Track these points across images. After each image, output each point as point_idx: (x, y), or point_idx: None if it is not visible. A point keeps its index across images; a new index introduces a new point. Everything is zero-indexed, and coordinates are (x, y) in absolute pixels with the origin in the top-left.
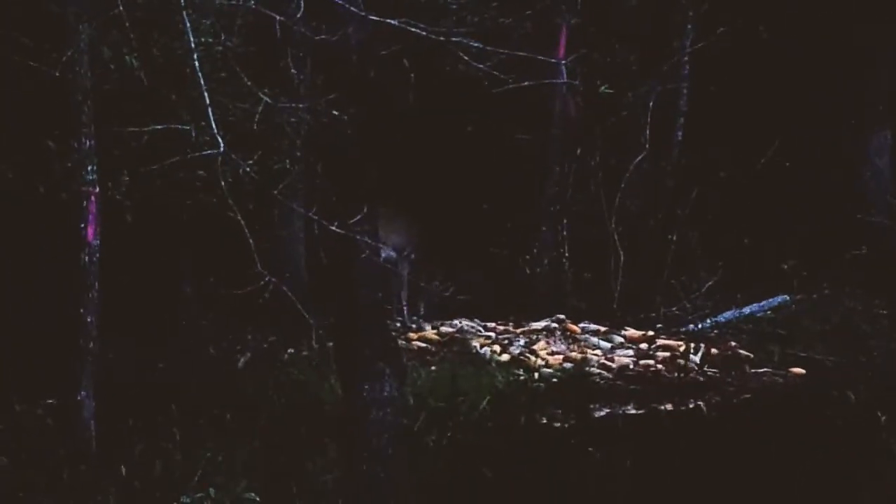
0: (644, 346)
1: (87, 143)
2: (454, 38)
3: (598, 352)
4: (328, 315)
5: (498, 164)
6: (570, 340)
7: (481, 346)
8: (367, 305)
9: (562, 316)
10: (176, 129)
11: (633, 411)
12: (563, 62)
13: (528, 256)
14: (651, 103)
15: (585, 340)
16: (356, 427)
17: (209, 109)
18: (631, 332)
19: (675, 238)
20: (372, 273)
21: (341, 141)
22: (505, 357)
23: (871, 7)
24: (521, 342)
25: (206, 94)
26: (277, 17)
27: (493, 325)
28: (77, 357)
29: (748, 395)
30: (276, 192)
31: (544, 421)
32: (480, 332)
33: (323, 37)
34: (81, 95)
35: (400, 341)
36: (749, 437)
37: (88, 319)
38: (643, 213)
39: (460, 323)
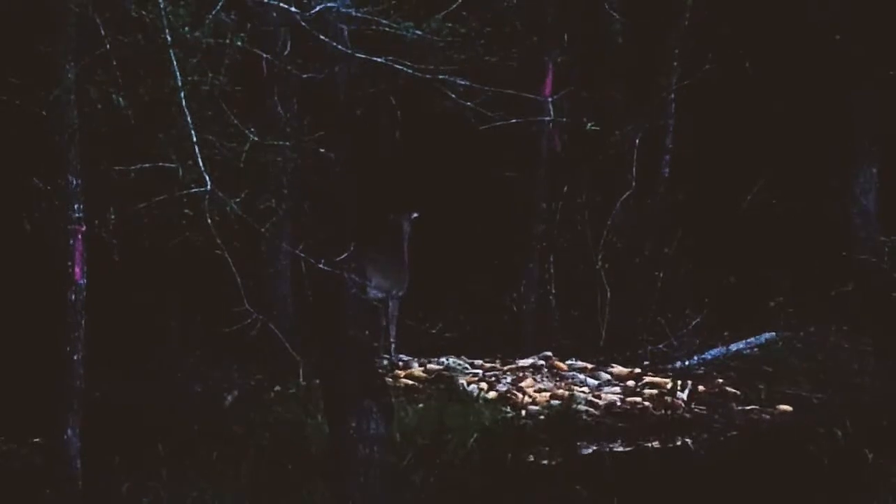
0: (631, 383)
1: (74, 181)
2: (441, 76)
3: (585, 389)
4: (315, 352)
5: (485, 201)
6: (557, 377)
7: (468, 384)
8: (353, 343)
9: (549, 353)
10: (163, 168)
11: (620, 448)
12: (550, 99)
13: (514, 294)
14: (637, 140)
15: (572, 377)
16: (343, 464)
17: (196, 147)
18: (618, 369)
19: (661, 275)
20: (359, 310)
21: (328, 179)
22: (492, 394)
23: (856, 44)
24: (508, 379)
25: (193, 132)
26: (265, 56)
27: (480, 362)
28: (63, 395)
29: (735, 433)
30: (263, 229)
31: (531, 458)
32: (467, 369)
33: (310, 75)
34: (68, 134)
35: (387, 378)
36: (736, 474)
37: (75, 357)
38: (630, 251)
39: (447, 360)
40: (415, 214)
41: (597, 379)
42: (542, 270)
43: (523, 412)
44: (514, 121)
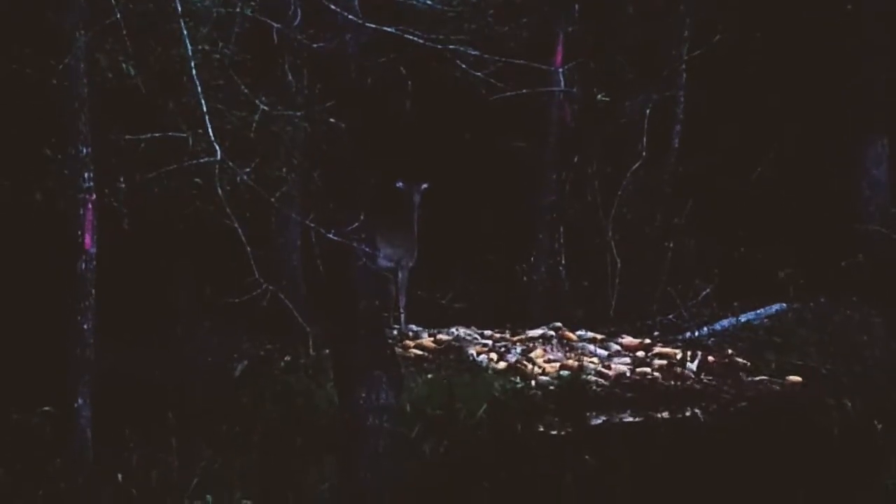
0: (641, 353)
1: (84, 150)
2: (451, 46)
3: (594, 359)
4: (325, 323)
5: (495, 171)
6: (567, 348)
7: (478, 354)
8: (363, 313)
9: (558, 324)
10: (173, 137)
11: (630, 419)
12: (560, 70)
13: (525, 264)
14: (648, 111)
15: (582, 348)
16: (353, 435)
17: (206, 117)
18: (628, 339)
19: (671, 246)
20: (369, 281)
21: (338, 149)
22: (502, 365)
23: (864, 16)
24: (518, 350)
25: (203, 101)
26: (275, 25)
27: (489, 332)
28: (74, 365)
29: (744, 403)
30: (273, 199)
31: (541, 428)
32: (477, 339)
33: (321, 45)
34: (78, 103)
35: (397, 349)
36: (745, 444)
37: (85, 327)
38: (640, 221)
39: (457, 331)
40: (424, 185)
41: (606, 349)
42: (552, 241)
43: (533, 382)
44: (524, 91)
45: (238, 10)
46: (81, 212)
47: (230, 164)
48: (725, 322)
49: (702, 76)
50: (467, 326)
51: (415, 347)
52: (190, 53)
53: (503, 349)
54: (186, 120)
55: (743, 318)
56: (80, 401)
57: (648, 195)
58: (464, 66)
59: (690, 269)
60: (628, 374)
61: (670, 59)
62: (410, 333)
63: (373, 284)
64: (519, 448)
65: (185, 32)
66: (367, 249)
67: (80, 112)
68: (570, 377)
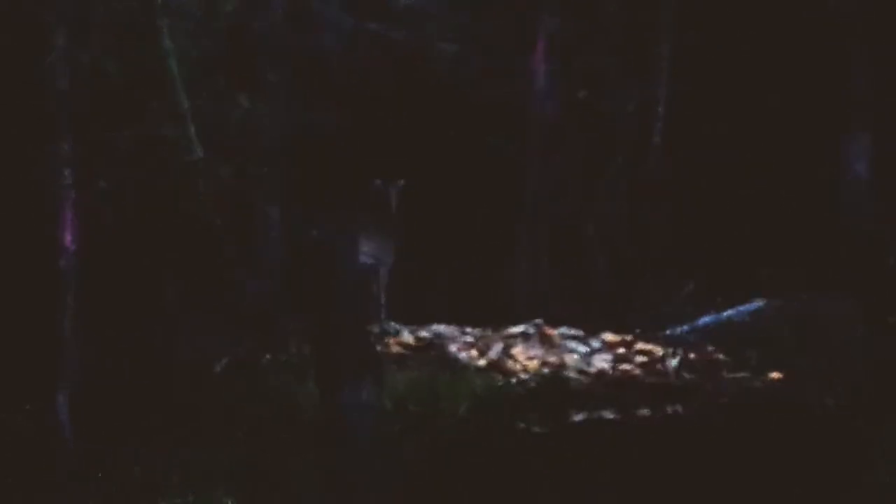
0: (622, 350)
1: (65, 148)
2: (432, 44)
3: (575, 356)
4: (307, 320)
5: (476, 168)
6: (548, 345)
7: (459, 351)
8: (345, 311)
9: (540, 320)
10: (154, 134)
11: (611, 416)
12: (542, 68)
13: (506, 261)
14: (630, 109)
15: (563, 345)
16: (335, 432)
17: (187, 115)
18: (609, 336)
19: (653, 243)
20: (351, 278)
21: (320, 146)
22: (483, 362)
23: (848, 13)
24: (499, 347)
25: (184, 99)
26: (256, 23)
27: (470, 329)
28: (55, 362)
29: (726, 400)
30: (255, 197)
31: (522, 426)
32: (458, 336)
33: (302, 42)
34: (59, 100)
35: (378, 346)
36: (727, 441)
37: (66, 324)
38: (621, 218)
39: (438, 328)
40: (401, 182)
41: (588, 346)
42: (533, 238)
43: (514, 380)
44: (505, 89)
45: (219, 7)
46: (62, 209)
47: (211, 160)
48: (707, 319)
49: (684, 73)
50: (448, 324)
51: (396, 345)
52: (170, 51)
53: (484, 346)
54: (168, 117)
55: (724, 315)
56: (60, 399)
57: (630, 192)
58: (445, 63)
59: (672, 266)
60: (610, 371)
61: (652, 57)
62: (391, 331)
63: (355, 282)
64: (500, 445)
65: (165, 29)
66: (349, 247)
67: (62, 109)
68: (551, 374)
